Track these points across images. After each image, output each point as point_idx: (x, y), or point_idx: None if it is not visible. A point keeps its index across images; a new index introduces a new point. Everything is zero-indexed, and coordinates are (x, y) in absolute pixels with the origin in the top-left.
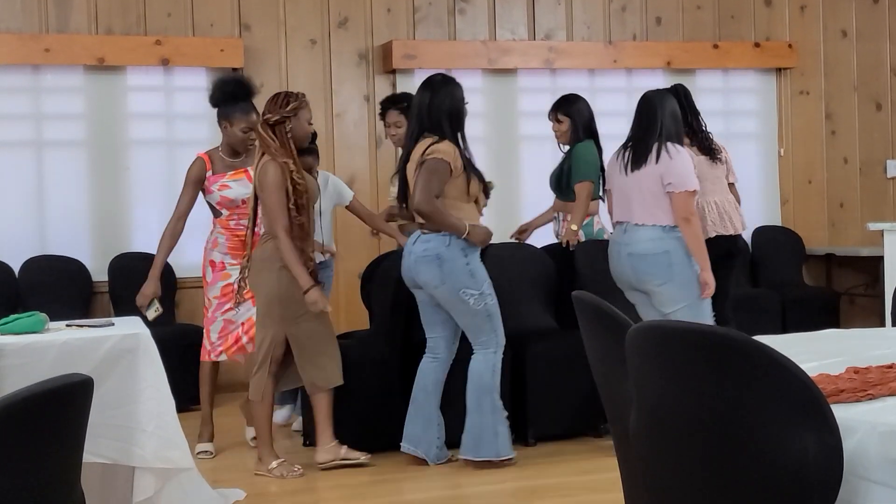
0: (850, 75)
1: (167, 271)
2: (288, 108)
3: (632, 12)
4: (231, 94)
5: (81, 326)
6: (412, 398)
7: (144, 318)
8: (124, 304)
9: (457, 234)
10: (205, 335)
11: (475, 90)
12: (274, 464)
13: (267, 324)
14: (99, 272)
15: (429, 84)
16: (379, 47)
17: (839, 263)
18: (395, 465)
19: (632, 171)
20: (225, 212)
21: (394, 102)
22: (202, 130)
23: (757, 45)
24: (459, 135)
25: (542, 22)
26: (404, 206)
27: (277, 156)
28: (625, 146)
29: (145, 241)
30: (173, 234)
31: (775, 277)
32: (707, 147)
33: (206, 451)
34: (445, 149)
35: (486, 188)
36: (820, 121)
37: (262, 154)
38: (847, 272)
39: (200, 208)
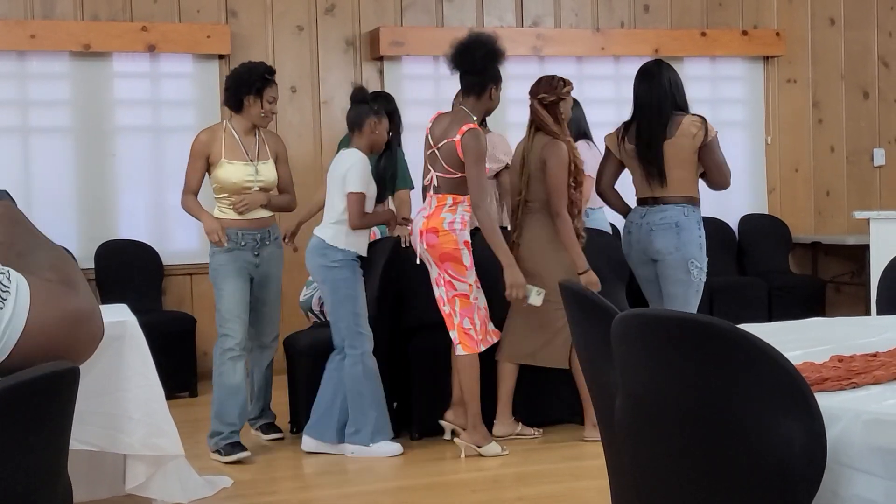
0: (837, 64)
1: (154, 257)
2: (564, 90)
3: None
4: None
5: None
6: None
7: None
8: (111, 291)
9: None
10: (469, 325)
11: None
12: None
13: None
14: (85, 259)
15: (655, 69)
16: (366, 34)
17: (825, 252)
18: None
19: None
20: None
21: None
22: (189, 117)
23: (744, 32)
24: None
25: (529, 9)
26: (661, 180)
27: (561, 135)
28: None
29: (132, 227)
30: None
31: (761, 265)
32: None
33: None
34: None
35: None
36: (807, 109)
37: (535, 131)
38: (833, 260)
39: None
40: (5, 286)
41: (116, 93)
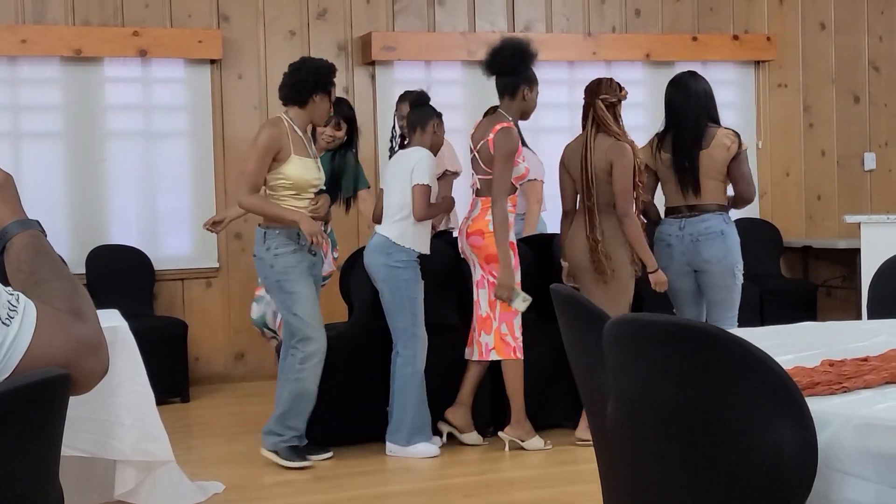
0: (828, 68)
1: (145, 262)
2: (622, 93)
3: (611, 4)
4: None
5: None
6: None
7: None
8: (102, 296)
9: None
10: (506, 331)
11: (455, 82)
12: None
13: (626, 299)
14: (76, 264)
15: (690, 80)
16: (358, 39)
17: (816, 256)
18: (375, 456)
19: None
20: (515, 187)
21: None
22: (180, 122)
23: (735, 37)
24: None
25: (521, 13)
26: (696, 190)
27: (622, 136)
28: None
29: (123, 232)
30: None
31: (753, 269)
32: None
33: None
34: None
35: None
36: (798, 113)
37: (597, 132)
38: (824, 264)
39: (175, 200)
40: (13, 306)
41: (108, 98)
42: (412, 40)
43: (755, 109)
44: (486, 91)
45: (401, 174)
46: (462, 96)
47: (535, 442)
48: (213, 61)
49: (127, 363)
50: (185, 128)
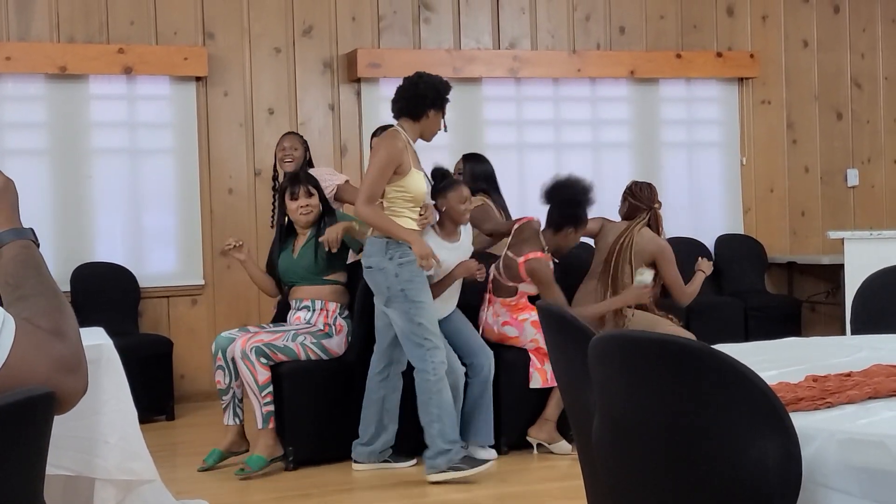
0: (810, 85)
1: (130, 279)
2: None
3: (596, 22)
4: None
5: None
6: None
7: None
8: (87, 313)
9: None
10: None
11: None
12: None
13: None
14: (61, 281)
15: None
16: (344, 56)
17: (801, 271)
18: (362, 473)
19: None
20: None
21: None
22: (166, 139)
23: (719, 54)
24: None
25: (506, 31)
26: None
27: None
28: None
29: (108, 250)
30: None
31: (738, 285)
32: None
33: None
34: None
35: None
36: (781, 130)
37: (642, 227)
38: (808, 280)
39: (161, 217)
40: None
41: (93, 115)
42: (398, 57)
43: (739, 126)
44: (472, 108)
45: None
46: (447, 114)
47: None
48: (198, 78)
49: (111, 381)
50: (170, 145)
